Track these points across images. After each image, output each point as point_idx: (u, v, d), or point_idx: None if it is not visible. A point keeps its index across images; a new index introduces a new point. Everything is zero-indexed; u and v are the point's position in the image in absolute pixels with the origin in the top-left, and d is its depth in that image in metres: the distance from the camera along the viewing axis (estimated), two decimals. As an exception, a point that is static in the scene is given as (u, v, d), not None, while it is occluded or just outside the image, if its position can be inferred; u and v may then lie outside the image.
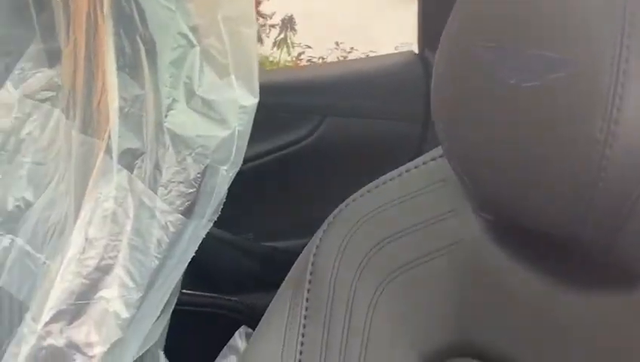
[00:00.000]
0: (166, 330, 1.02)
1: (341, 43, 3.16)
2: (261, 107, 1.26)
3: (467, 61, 0.56)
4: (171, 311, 1.00)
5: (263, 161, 1.49)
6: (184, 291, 1.45)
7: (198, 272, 1.42)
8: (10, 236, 1.11)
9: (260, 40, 3.08)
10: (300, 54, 3.22)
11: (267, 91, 1.48)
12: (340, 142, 1.48)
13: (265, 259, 1.45)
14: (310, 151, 1.48)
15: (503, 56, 0.54)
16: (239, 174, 1.42)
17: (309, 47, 3.19)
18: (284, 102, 1.50)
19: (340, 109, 1.53)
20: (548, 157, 0.52)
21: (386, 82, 1.55)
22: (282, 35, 3.23)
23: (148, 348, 0.95)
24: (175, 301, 1.00)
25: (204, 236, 0.94)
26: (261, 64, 2.94)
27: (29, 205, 1.11)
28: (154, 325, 0.95)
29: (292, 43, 3.21)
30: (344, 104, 1.53)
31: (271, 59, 3.14)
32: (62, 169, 1.08)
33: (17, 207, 1.11)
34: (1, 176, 1.13)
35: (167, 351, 1.07)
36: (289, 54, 3.18)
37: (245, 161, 1.44)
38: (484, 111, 0.55)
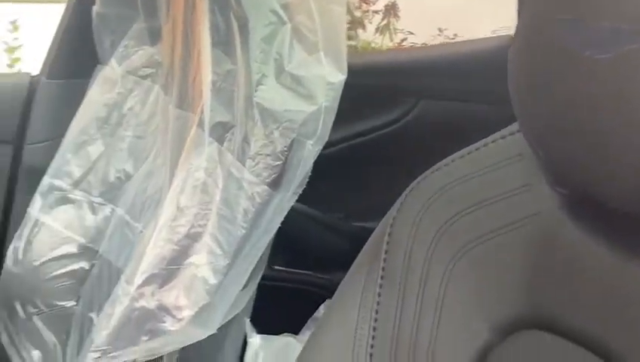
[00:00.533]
0: (253, 299, 1.05)
1: (444, 29, 3.13)
2: (356, 88, 1.29)
3: (543, 33, 0.56)
4: (258, 281, 1.03)
5: (356, 142, 1.51)
6: (275, 267, 1.50)
7: (289, 250, 1.47)
8: (111, 206, 1.17)
9: (362, 26, 3.09)
10: (402, 40, 3.21)
11: (363, 73, 1.50)
12: (433, 124, 1.49)
13: (354, 238, 1.47)
14: (403, 133, 1.48)
15: (579, 28, 0.54)
16: (332, 155, 1.45)
17: (412, 33, 3.18)
18: (379, 84, 1.51)
19: (436, 92, 1.53)
20: (623, 130, 0.51)
21: (482, 66, 1.54)
22: (385, 21, 3.23)
23: (235, 315, 0.99)
24: (261, 272, 1.04)
25: (289, 208, 0.97)
26: (363, 49, 2.95)
27: (128, 177, 1.17)
28: (240, 293, 0.98)
29: (394, 29, 3.21)
30: (440, 87, 1.53)
31: (373, 45, 3.14)
32: (159, 142, 1.13)
33: (118, 178, 1.17)
34: (104, 149, 1.20)
35: (254, 322, 1.11)
36: (391, 40, 3.17)
37: (338, 141, 1.47)
38: (559, 84, 0.55)
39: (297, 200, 1.38)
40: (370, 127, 1.50)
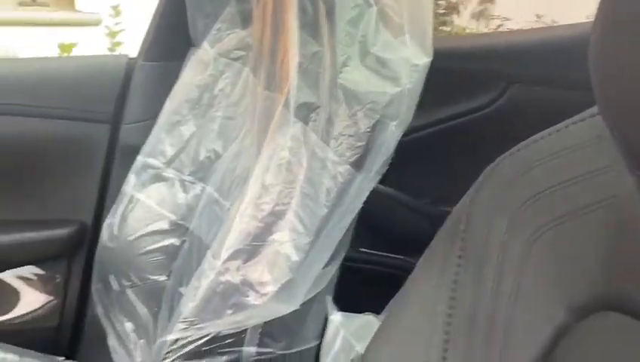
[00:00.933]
0: (335, 278, 1.07)
1: (542, 15, 3.07)
2: (447, 73, 1.29)
3: (622, 13, 0.56)
4: (341, 260, 1.05)
5: (445, 127, 1.51)
6: (362, 249, 1.52)
7: (376, 233, 1.48)
8: (202, 184, 1.21)
9: (457, 11, 3.07)
10: (498, 27, 3.17)
11: (453, 57, 1.49)
12: (522, 110, 1.47)
13: (441, 223, 1.47)
14: (492, 119, 1.47)
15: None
16: (421, 139, 1.46)
17: (508, 19, 3.13)
18: (469, 69, 1.50)
19: (527, 77, 1.51)
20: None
21: (577, 51, 1.51)
22: (481, 7, 3.20)
23: (317, 292, 1.01)
24: (344, 251, 1.05)
25: (371, 188, 0.99)
26: (457, 35, 2.94)
27: (218, 156, 1.20)
28: (323, 271, 1.01)
29: (490, 15, 3.17)
30: (532, 72, 1.51)
31: (468, 30, 3.11)
32: (248, 123, 1.16)
33: (208, 157, 1.21)
34: (195, 129, 1.24)
35: (337, 302, 1.13)
36: (486, 26, 3.14)
37: (427, 126, 1.47)
38: (638, 66, 0.55)
39: (386, 185, 1.39)
40: (459, 111, 1.49)
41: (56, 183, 1.46)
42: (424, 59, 0.96)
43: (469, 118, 1.50)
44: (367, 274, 1.41)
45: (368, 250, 1.51)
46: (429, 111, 1.44)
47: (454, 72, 1.43)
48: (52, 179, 1.45)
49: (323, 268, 1.00)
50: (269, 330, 1.01)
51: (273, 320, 1.00)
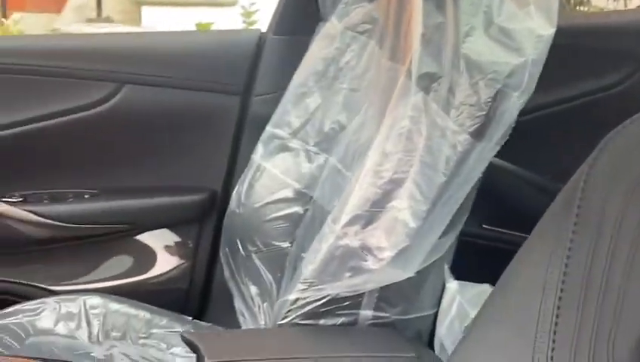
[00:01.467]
0: (453, 249, 1.09)
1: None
2: (575, 50, 1.27)
3: None
4: (459, 230, 1.06)
5: (570, 105, 1.49)
6: (484, 226, 1.52)
7: (500, 210, 1.48)
8: (325, 155, 1.25)
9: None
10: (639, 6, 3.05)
11: (581, 34, 1.46)
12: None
13: (561, 201, 1.45)
14: (620, 98, 1.44)
15: None
16: (546, 116, 1.44)
17: (649, -2, 3.01)
18: (598, 47, 1.47)
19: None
20: None
21: None
22: (621, -13, 3.09)
23: (434, 260, 1.03)
24: (463, 221, 1.07)
25: (490, 159, 0.99)
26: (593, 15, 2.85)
27: (342, 128, 1.24)
28: (440, 240, 1.02)
29: (631, -5, 3.06)
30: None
31: (605, 10, 3.02)
32: (372, 95, 1.18)
33: (332, 129, 1.25)
34: (321, 101, 1.28)
35: (456, 275, 1.14)
36: (625, 6, 3.03)
37: (552, 104, 1.46)
38: None
39: (509, 161, 1.39)
40: (586, 90, 1.46)
41: (189, 152, 1.54)
42: (549, 30, 0.96)
43: (596, 96, 1.47)
44: (488, 251, 1.41)
45: (490, 227, 1.51)
46: (555, 89, 1.43)
47: (583, 49, 1.40)
48: (186, 148, 1.54)
49: (440, 237, 1.02)
50: (386, 295, 1.04)
51: (390, 285, 1.02)
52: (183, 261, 1.56)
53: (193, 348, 0.96)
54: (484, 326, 0.77)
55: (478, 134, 0.97)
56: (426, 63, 0.99)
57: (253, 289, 1.29)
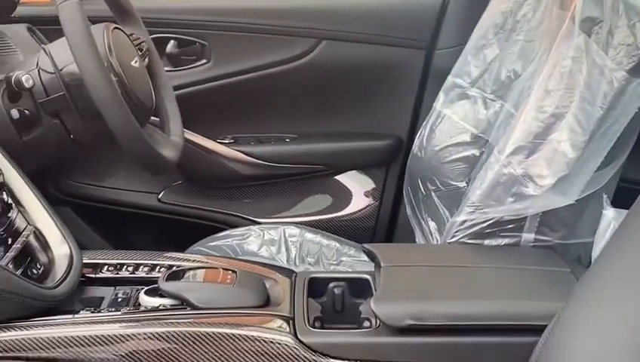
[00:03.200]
0: (614, 181, 1.18)
1: None
2: None
3: None
4: (620, 164, 1.16)
5: None
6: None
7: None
8: (501, 101, 1.38)
9: None
10: None
11: None
12: None
13: None
14: None
15: None
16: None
17: None
18: None
19: None
20: None
21: None
22: None
23: (593, 191, 1.14)
24: (622, 158, 1.16)
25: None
26: None
27: (517, 76, 1.36)
28: (599, 172, 1.13)
29: None
30: None
31: None
32: (544, 43, 1.29)
33: (508, 77, 1.37)
34: (498, 52, 1.40)
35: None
36: None
37: None
38: None
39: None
40: None
41: (377, 102, 1.73)
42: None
43: None
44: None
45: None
46: None
47: None
48: (374, 98, 1.73)
49: (599, 169, 1.12)
50: (547, 220, 1.16)
51: (551, 211, 1.15)
52: (372, 201, 1.76)
53: (372, 256, 1.13)
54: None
55: (635, 71, 1.06)
56: (589, 8, 1.10)
57: (432, 225, 1.44)
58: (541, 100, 1.14)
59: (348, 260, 1.51)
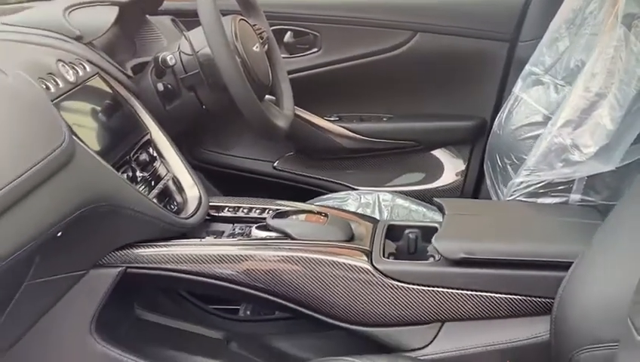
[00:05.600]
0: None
1: None
2: None
3: None
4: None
5: None
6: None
7: None
8: (569, 87, 1.60)
9: None
10: None
11: None
12: None
13: None
14: None
15: None
16: None
17: None
18: None
19: None
20: None
21: None
22: None
23: (632, 160, 1.36)
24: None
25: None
26: None
27: (583, 64, 1.58)
28: (637, 145, 1.35)
29: None
30: None
31: None
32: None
33: (576, 66, 1.60)
34: (569, 44, 1.63)
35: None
36: None
37: None
38: None
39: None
40: None
41: (465, 88, 2.01)
42: None
43: None
44: None
45: None
46: None
47: None
48: (462, 84, 2.01)
49: (635, 142, 1.35)
50: (592, 183, 1.40)
51: (596, 175, 1.39)
52: (458, 176, 2.02)
53: (440, 207, 1.40)
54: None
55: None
56: (630, 6, 1.34)
57: (505, 192, 1.68)
58: (588, 82, 1.38)
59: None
